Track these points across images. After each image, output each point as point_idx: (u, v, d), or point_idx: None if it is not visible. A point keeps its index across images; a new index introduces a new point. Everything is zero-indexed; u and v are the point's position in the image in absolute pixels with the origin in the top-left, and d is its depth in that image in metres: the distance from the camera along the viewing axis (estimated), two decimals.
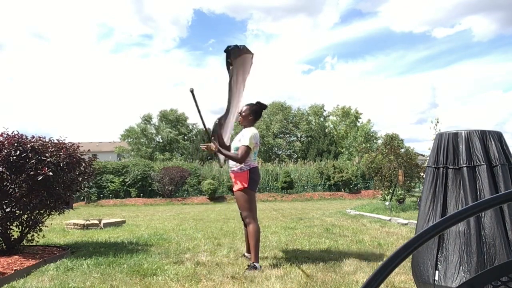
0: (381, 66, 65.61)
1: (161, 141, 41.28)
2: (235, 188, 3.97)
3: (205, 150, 4.07)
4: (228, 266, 3.82)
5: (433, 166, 2.66)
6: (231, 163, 4.02)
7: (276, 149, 41.57)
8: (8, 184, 4.15)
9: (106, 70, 67.36)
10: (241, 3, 61.74)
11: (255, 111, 4.11)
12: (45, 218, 4.74)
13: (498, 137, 2.60)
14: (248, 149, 3.87)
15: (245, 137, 3.92)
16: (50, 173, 4.15)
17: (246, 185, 3.86)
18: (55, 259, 4.19)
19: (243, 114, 4.11)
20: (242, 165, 3.91)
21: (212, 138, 4.08)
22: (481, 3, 60.74)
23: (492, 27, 59.87)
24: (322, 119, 42.28)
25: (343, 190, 21.90)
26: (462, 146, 2.57)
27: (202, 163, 25.63)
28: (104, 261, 4.08)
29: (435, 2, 59.58)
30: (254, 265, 3.70)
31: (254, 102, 4.15)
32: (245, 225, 4.11)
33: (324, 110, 42.81)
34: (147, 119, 41.88)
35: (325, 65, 65.82)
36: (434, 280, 2.43)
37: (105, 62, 67.14)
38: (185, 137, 41.87)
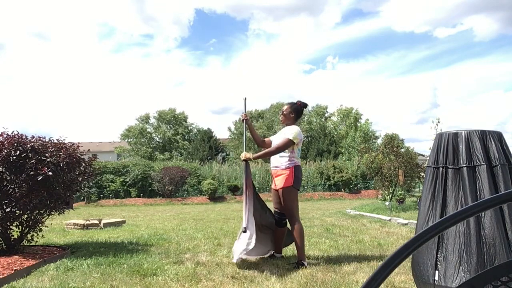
0: (382, 66, 65.56)
1: (160, 141, 41.30)
2: (278, 186, 3.91)
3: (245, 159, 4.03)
4: (228, 266, 3.82)
5: (432, 166, 2.66)
6: (276, 162, 3.97)
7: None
8: (8, 184, 4.15)
9: (107, 70, 67.33)
10: (242, 2, 61.71)
11: (297, 110, 4.12)
12: (45, 218, 4.74)
13: (498, 137, 2.60)
14: (289, 142, 3.84)
15: (289, 132, 3.91)
16: (50, 173, 4.15)
17: (291, 184, 3.83)
18: (55, 259, 4.19)
19: (285, 112, 4.10)
20: (288, 162, 3.86)
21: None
22: (483, 3, 60.64)
23: (494, 27, 59.72)
24: (323, 119, 42.36)
25: (343, 190, 21.90)
26: (462, 146, 2.57)
27: (202, 163, 25.63)
28: (104, 261, 4.08)
29: (437, 2, 59.51)
30: (302, 263, 3.72)
31: (295, 101, 4.18)
32: (277, 225, 4.11)
33: (326, 111, 42.93)
34: (144, 119, 41.89)
35: (326, 65, 65.81)
36: (434, 280, 2.43)
37: (106, 62, 67.11)
38: (185, 137, 41.85)
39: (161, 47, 65.63)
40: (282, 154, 3.90)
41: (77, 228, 7.33)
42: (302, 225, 3.96)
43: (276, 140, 4.04)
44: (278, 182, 3.91)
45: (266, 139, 4.31)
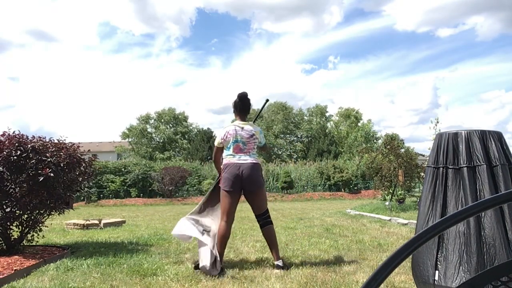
0: (383, 66, 65.59)
1: (160, 140, 41.30)
2: None
3: None
4: (228, 266, 3.82)
5: (432, 166, 2.66)
6: None
7: (276, 149, 41.62)
8: (8, 184, 4.15)
9: (108, 70, 67.31)
10: (244, 2, 61.67)
11: (234, 104, 4.05)
12: (45, 218, 4.74)
13: (498, 137, 2.60)
14: (215, 149, 4.00)
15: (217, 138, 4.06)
16: (51, 174, 4.15)
17: (220, 183, 3.90)
18: (55, 259, 4.19)
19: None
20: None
21: None
22: (485, 3, 60.60)
23: (496, 26, 59.67)
24: (324, 119, 42.40)
25: (343, 190, 21.91)
26: (462, 146, 2.57)
27: (202, 163, 25.63)
28: (104, 261, 4.08)
29: (439, 2, 59.53)
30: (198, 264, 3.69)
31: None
32: (261, 226, 3.97)
33: (327, 111, 43.01)
34: (144, 119, 41.90)
35: (328, 65, 65.80)
36: (434, 280, 2.43)
37: (106, 61, 67.08)
38: (185, 137, 41.82)
39: (162, 47, 65.73)
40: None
41: (77, 228, 7.33)
42: (225, 229, 3.74)
43: None
44: None
45: None
